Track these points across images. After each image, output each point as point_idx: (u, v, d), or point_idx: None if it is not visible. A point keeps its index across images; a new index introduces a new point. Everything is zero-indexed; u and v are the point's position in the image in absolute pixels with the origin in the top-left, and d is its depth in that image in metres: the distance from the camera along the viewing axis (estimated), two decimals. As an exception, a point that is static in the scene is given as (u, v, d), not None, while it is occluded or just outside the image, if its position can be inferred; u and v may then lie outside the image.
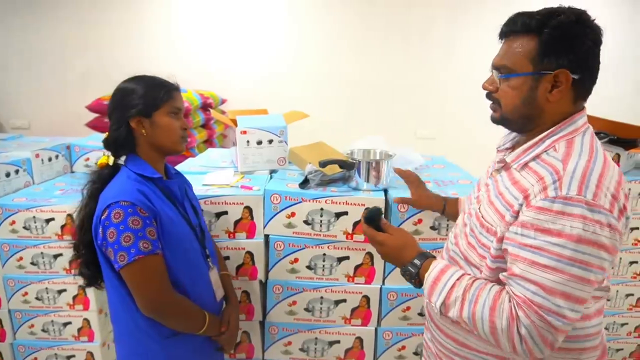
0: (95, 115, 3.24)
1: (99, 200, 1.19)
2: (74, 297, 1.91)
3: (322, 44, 4.15)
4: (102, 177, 1.26)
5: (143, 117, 1.23)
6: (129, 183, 1.19)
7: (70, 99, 4.05)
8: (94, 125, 3.23)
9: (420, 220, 1.59)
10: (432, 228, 1.60)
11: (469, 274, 1.00)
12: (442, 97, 4.23)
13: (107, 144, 1.27)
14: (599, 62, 0.96)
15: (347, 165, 1.62)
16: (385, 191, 1.66)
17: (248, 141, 1.82)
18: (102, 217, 1.14)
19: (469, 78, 4.04)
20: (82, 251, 1.27)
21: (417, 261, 1.06)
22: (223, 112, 3.95)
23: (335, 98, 4.19)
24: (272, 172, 1.88)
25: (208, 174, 1.82)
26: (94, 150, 2.34)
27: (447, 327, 1.10)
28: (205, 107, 3.61)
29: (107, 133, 1.29)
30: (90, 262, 1.27)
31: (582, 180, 0.86)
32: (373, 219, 1.18)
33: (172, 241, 1.21)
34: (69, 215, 1.83)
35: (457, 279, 0.98)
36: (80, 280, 1.83)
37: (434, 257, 1.07)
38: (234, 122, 1.90)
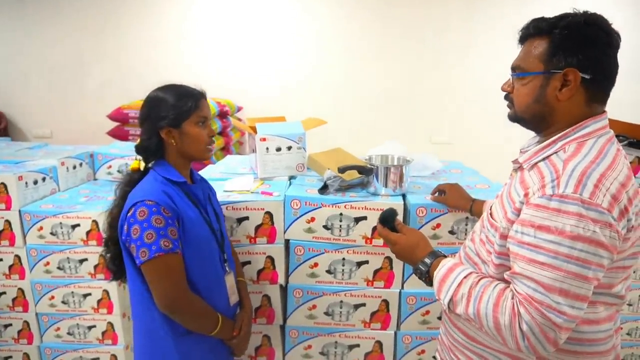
0: (116, 124, 3.31)
1: (127, 200, 1.25)
2: (99, 301, 1.96)
3: (339, 51, 4.19)
4: (132, 180, 1.33)
5: (172, 127, 1.28)
6: (155, 185, 1.26)
7: (90, 108, 4.15)
8: (114, 134, 3.30)
9: (438, 225, 1.60)
10: (451, 232, 1.61)
11: (476, 272, 1.02)
12: (458, 102, 4.24)
13: (138, 150, 1.33)
14: (615, 65, 0.96)
15: (366, 170, 1.65)
16: (404, 196, 1.68)
17: (267, 148, 1.85)
18: (128, 215, 1.20)
19: (484, 83, 4.08)
20: (110, 247, 1.33)
21: (427, 260, 1.09)
22: (239, 120, 4.01)
23: (352, 104, 4.22)
24: (291, 178, 1.91)
25: (228, 180, 1.86)
26: (116, 158, 2.41)
27: (459, 320, 1.13)
28: (222, 114, 3.67)
29: (138, 140, 1.35)
30: (117, 258, 1.33)
31: (580, 179, 0.87)
32: (388, 219, 1.20)
33: (192, 241, 1.26)
34: (94, 221, 1.88)
35: (465, 277, 1.00)
36: (105, 285, 1.93)
37: (445, 256, 1.10)
38: (253, 129, 1.94)
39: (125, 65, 4.15)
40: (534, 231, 0.89)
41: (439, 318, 1.69)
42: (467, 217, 1.59)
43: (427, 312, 1.68)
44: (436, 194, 1.61)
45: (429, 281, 1.08)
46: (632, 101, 3.72)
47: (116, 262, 1.34)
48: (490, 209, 1.08)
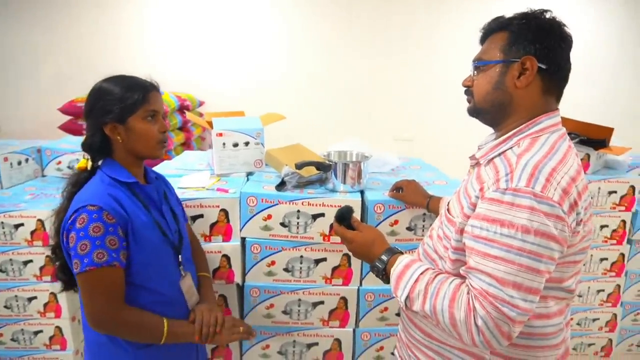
0: (69, 117, 3.16)
1: (72, 203, 1.17)
2: (45, 305, 1.86)
3: (302, 45, 4.14)
4: (79, 180, 1.23)
5: (117, 123, 1.19)
6: (102, 187, 1.17)
7: (43, 102, 3.94)
8: (67, 128, 3.16)
9: (396, 222, 1.60)
10: (409, 229, 1.61)
11: (433, 269, 1.02)
12: (421, 100, 4.27)
13: (84, 148, 1.24)
14: (568, 62, 1.00)
15: (324, 167, 1.62)
16: (362, 192, 1.66)
17: (224, 143, 1.80)
18: (69, 221, 1.12)
19: (447, 81, 4.11)
20: (59, 254, 1.24)
21: (384, 257, 1.08)
22: (201, 115, 3.91)
23: (314, 100, 4.19)
24: (249, 174, 1.87)
25: (184, 176, 1.79)
26: (67, 154, 2.29)
27: (416, 317, 1.13)
28: (183, 109, 3.56)
29: (84, 136, 1.25)
30: (67, 266, 1.23)
31: (532, 173, 0.89)
32: (344, 217, 1.19)
33: (145, 247, 1.19)
34: (39, 221, 1.78)
35: (421, 274, 0.99)
36: (52, 287, 1.83)
37: (401, 253, 1.09)
38: (210, 124, 1.89)
39: (81, 58, 3.96)
40: (488, 225, 0.90)
41: (397, 315, 1.69)
42: (424, 214, 1.59)
43: (386, 309, 1.68)
44: (394, 191, 1.61)
45: (385, 278, 1.07)
46: (587, 102, 3.87)
47: (66, 271, 1.24)
48: (448, 205, 1.08)
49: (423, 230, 1.61)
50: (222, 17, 4.03)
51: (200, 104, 3.94)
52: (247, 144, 1.83)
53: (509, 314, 0.86)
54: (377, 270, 1.08)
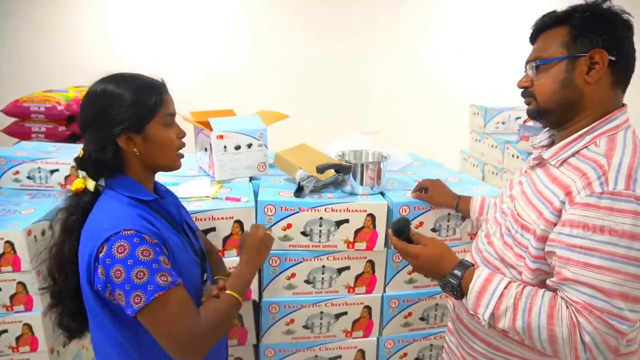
0: (14, 119, 2.79)
1: (85, 235, 0.96)
2: (18, 338, 1.61)
3: (265, 41, 3.98)
4: (81, 205, 1.02)
5: (134, 132, 1.00)
6: (125, 208, 0.98)
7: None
8: (12, 131, 2.78)
9: (422, 223, 1.52)
10: (433, 230, 1.54)
11: (515, 281, 0.96)
12: (386, 93, 4.26)
13: (85, 165, 1.02)
14: (634, 50, 0.96)
15: (344, 169, 1.52)
16: (382, 194, 1.58)
17: (225, 146, 1.64)
18: (100, 255, 0.91)
19: (412, 74, 4.15)
20: (66, 300, 1.03)
21: (457, 272, 0.99)
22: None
23: (280, 95, 4.03)
24: (252, 179, 1.72)
25: (181, 185, 1.61)
26: (25, 162, 1.99)
27: (480, 330, 1.06)
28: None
29: (80, 152, 1.03)
30: (77, 312, 1.03)
31: (630, 174, 0.84)
32: (402, 230, 1.09)
33: (180, 271, 1.01)
34: (9, 243, 1.52)
35: (505, 287, 0.93)
36: (26, 318, 1.58)
37: (474, 266, 1.01)
38: (204, 124, 1.71)
39: (23, 54, 3.52)
40: (585, 232, 0.84)
41: (421, 319, 1.63)
42: (449, 214, 1.53)
43: (410, 314, 1.61)
44: (417, 191, 1.53)
45: (460, 295, 0.98)
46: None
47: (77, 317, 1.04)
48: (517, 210, 1.01)
49: (447, 231, 1.55)
50: (179, 11, 3.75)
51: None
52: (249, 146, 1.67)
53: (619, 327, 0.81)
54: (450, 287, 0.99)
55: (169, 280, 0.92)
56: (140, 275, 0.90)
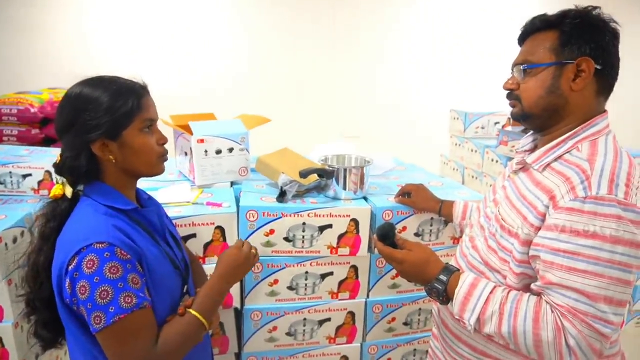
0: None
1: (59, 244, 0.92)
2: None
3: (247, 45, 3.96)
4: (59, 212, 0.98)
5: (109, 139, 0.97)
6: (100, 218, 0.94)
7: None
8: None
9: (404, 228, 1.52)
10: (416, 234, 1.54)
11: (500, 285, 0.96)
12: (366, 97, 4.28)
13: (61, 171, 0.98)
14: (618, 59, 0.97)
15: (327, 173, 1.50)
16: (365, 199, 1.57)
17: (206, 150, 1.60)
18: (70, 268, 0.87)
19: (393, 79, 4.18)
20: (40, 309, 0.99)
21: (443, 277, 0.99)
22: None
23: (260, 97, 4.01)
24: (233, 183, 1.69)
25: (160, 190, 1.57)
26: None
27: (465, 334, 1.06)
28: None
29: (58, 157, 1.00)
30: (51, 321, 0.98)
31: (612, 179, 0.85)
32: (387, 235, 1.08)
33: (158, 284, 0.98)
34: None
35: (490, 292, 0.93)
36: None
37: (459, 270, 1.01)
38: (184, 128, 1.67)
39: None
40: (569, 237, 0.84)
41: (405, 324, 1.62)
42: (432, 218, 1.53)
43: (393, 319, 1.60)
44: (400, 196, 1.53)
45: (445, 300, 0.98)
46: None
47: (50, 327, 1.00)
48: (501, 214, 1.01)
49: (430, 236, 1.55)
50: (160, 13, 3.70)
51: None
52: (231, 150, 1.64)
53: (603, 330, 0.81)
54: (436, 292, 0.98)
55: (132, 302, 0.88)
56: (103, 294, 0.86)
